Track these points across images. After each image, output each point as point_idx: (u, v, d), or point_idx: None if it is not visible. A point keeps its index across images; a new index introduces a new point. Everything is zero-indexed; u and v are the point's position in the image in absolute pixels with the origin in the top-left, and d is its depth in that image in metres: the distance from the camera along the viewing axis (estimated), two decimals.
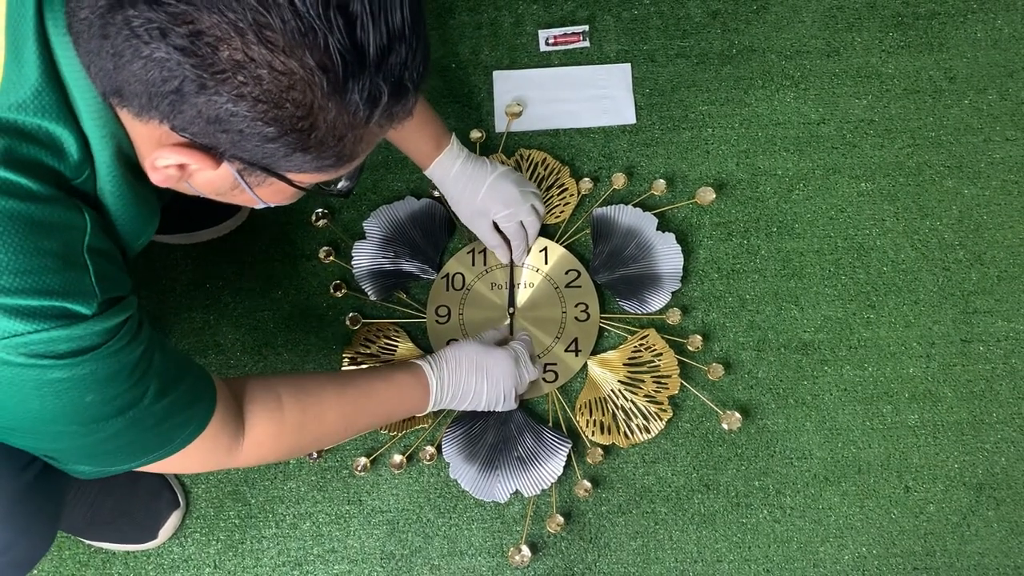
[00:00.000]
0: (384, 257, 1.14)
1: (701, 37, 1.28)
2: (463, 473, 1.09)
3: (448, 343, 1.12)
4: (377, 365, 1.11)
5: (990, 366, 1.15)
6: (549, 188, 1.19)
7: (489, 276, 1.15)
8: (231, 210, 1.17)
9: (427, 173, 1.09)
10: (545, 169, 1.19)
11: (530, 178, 1.18)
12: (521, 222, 1.12)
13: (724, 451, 1.13)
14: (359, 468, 1.10)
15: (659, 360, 1.12)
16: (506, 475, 1.08)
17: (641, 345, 1.12)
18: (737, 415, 1.12)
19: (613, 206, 1.18)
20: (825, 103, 1.26)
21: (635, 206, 1.18)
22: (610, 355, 1.13)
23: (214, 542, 1.10)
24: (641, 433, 1.09)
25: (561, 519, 1.08)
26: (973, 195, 1.22)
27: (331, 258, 1.17)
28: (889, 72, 1.27)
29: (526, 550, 1.06)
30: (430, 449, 1.10)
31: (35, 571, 1.08)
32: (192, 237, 1.18)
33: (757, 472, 1.12)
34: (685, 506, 1.11)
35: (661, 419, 1.10)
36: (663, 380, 1.11)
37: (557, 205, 1.18)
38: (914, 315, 1.18)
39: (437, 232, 1.16)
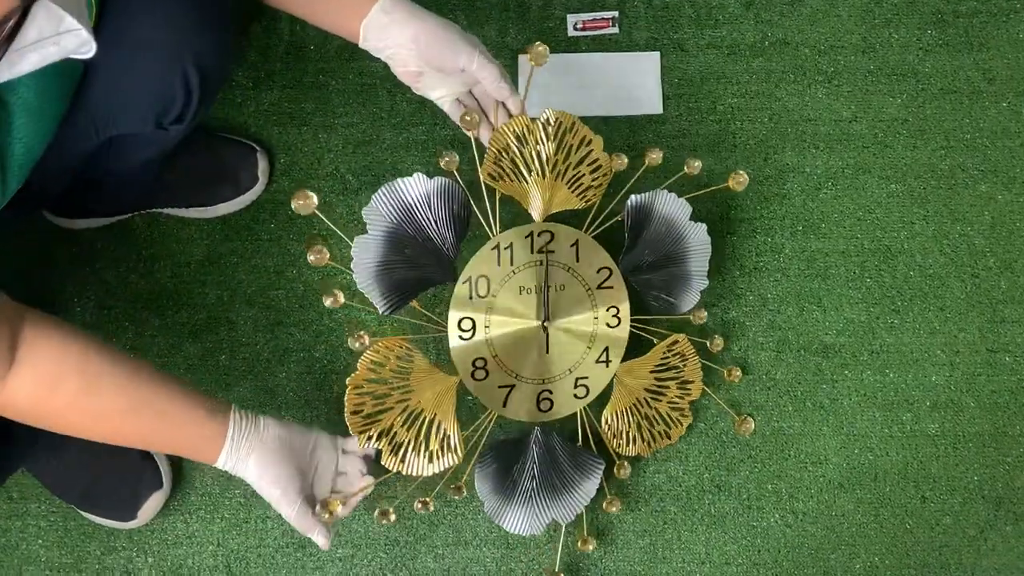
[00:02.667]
0: (392, 255, 0.92)
1: (733, 28, 1.25)
2: (502, 513, 1.00)
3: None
4: (183, 393, 0.85)
5: (1016, 377, 1.12)
6: (579, 164, 0.96)
7: (517, 279, 0.96)
8: (247, 183, 1.15)
9: (363, 44, 0.88)
10: (574, 137, 0.94)
11: (557, 149, 0.94)
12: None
13: (737, 452, 1.11)
14: (381, 517, 0.99)
15: (684, 365, 1.05)
16: (542, 506, 1.01)
17: (670, 351, 1.03)
18: (751, 423, 1.09)
19: (650, 192, 0.99)
20: (858, 100, 1.23)
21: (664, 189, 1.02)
22: (638, 363, 1.02)
23: (218, 520, 1.09)
24: (662, 439, 1.06)
25: (594, 542, 1.06)
26: (1007, 201, 1.18)
27: (325, 259, 0.92)
28: (926, 71, 1.24)
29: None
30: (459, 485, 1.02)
31: (39, 541, 1.08)
32: (207, 212, 1.16)
33: (770, 475, 1.10)
34: (695, 506, 1.09)
35: (682, 424, 1.07)
36: (687, 385, 1.05)
37: (589, 187, 0.97)
38: (939, 322, 1.15)
39: (456, 219, 0.93)
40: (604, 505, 1.06)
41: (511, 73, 1.23)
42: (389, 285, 0.92)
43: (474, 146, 0.92)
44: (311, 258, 0.91)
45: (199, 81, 0.87)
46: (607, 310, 0.99)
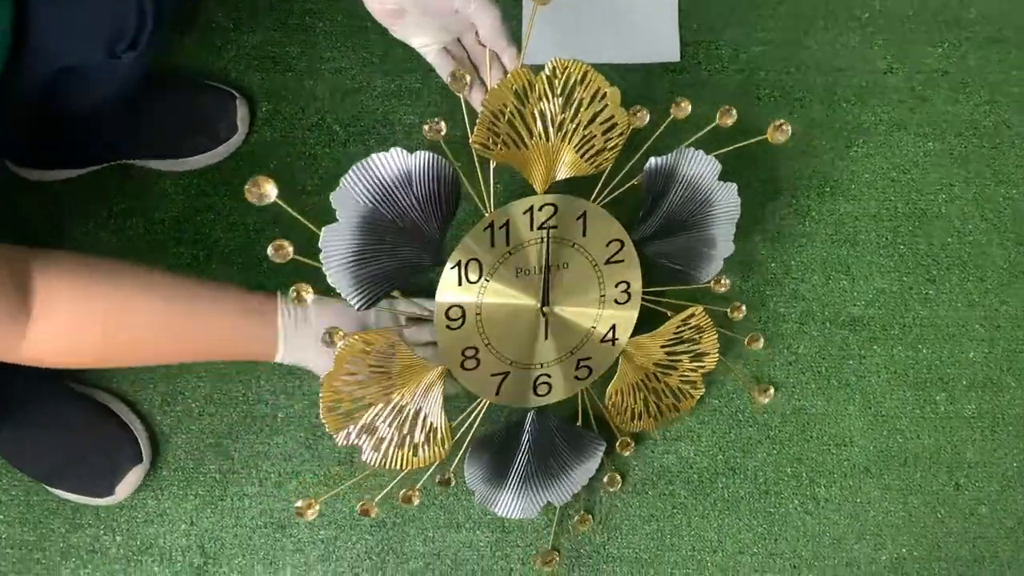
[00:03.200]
0: (368, 244, 0.77)
1: None
2: (493, 499, 0.94)
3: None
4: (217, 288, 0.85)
5: None
6: (590, 123, 0.79)
7: (513, 260, 0.83)
8: (226, 133, 1.07)
9: None
10: (585, 90, 0.77)
11: (565, 104, 0.78)
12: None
13: (755, 433, 1.02)
14: (364, 511, 0.90)
15: (700, 337, 0.94)
16: (537, 490, 0.94)
17: (685, 325, 0.92)
18: (771, 391, 1.01)
19: (673, 152, 0.85)
20: (894, 50, 1.13)
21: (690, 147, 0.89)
22: (648, 339, 0.92)
23: (192, 497, 1.01)
24: (670, 412, 0.98)
25: (591, 519, 0.99)
26: None
27: (288, 254, 0.74)
28: (970, 18, 1.13)
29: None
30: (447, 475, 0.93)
31: (0, 517, 1.01)
32: (182, 164, 1.08)
33: (790, 458, 1.02)
34: (707, 490, 1.01)
35: (693, 397, 0.98)
36: (701, 358, 0.95)
37: (601, 150, 0.81)
38: (979, 293, 1.05)
39: (443, 199, 0.78)
40: (605, 480, 0.98)
41: (515, 15, 1.13)
42: (364, 277, 0.78)
43: (464, 109, 0.76)
44: (270, 252, 0.74)
45: None
46: (616, 286, 0.88)
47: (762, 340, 1.01)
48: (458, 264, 0.81)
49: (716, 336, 0.94)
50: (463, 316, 0.83)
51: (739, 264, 1.06)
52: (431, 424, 0.85)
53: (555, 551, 0.99)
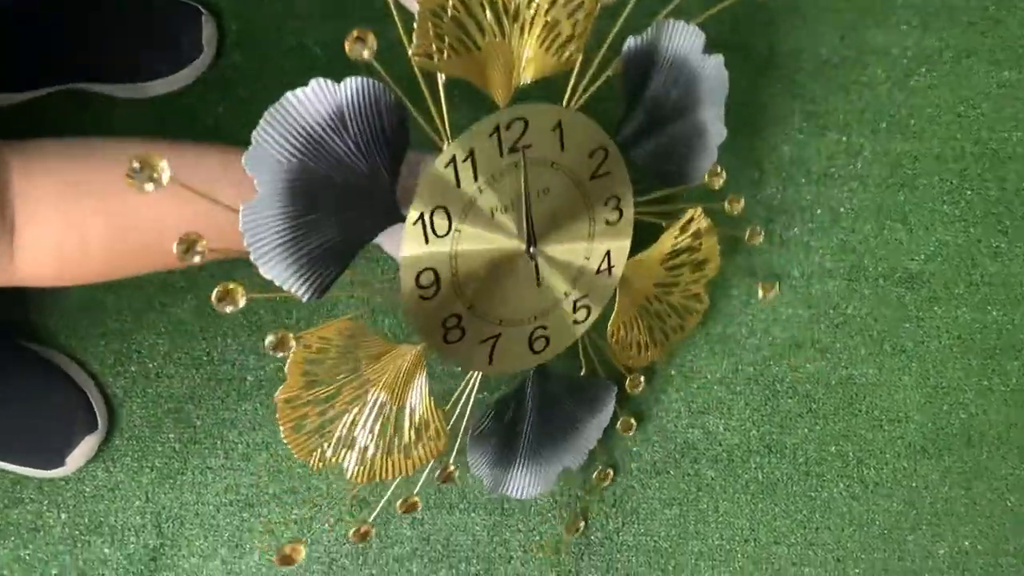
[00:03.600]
0: (301, 214, 0.60)
1: None
2: (504, 482, 0.82)
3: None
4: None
5: None
6: (551, 6, 0.63)
7: (485, 198, 0.68)
8: (190, 54, 0.93)
9: None
10: None
11: None
12: None
13: (794, 405, 0.89)
14: (355, 536, 0.77)
15: (700, 243, 0.81)
16: (550, 460, 0.82)
17: (684, 232, 0.80)
18: (777, 287, 0.88)
19: (650, 27, 0.71)
20: None
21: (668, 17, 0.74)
22: (644, 258, 0.79)
23: (147, 469, 0.89)
24: (676, 334, 0.85)
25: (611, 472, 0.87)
26: None
27: (239, 301, 0.60)
28: None
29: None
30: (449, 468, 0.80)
31: None
32: (139, 90, 0.94)
33: (835, 435, 0.89)
34: (739, 471, 0.88)
35: (697, 312, 0.85)
36: (702, 266, 0.83)
37: (569, 38, 0.66)
38: None
39: (387, 136, 0.61)
40: (619, 427, 0.86)
41: None
42: (305, 259, 0.62)
43: (395, 15, 0.58)
44: (216, 302, 0.59)
45: None
46: (605, 204, 0.74)
47: (763, 235, 0.87)
48: (420, 218, 0.65)
49: (716, 238, 0.81)
50: (436, 281, 0.68)
51: (781, 210, 0.93)
52: (420, 417, 0.72)
53: (582, 517, 0.86)
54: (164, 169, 0.54)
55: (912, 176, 0.94)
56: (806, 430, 0.89)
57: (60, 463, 0.87)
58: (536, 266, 0.73)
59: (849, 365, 0.90)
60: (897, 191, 0.94)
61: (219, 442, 0.90)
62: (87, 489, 0.89)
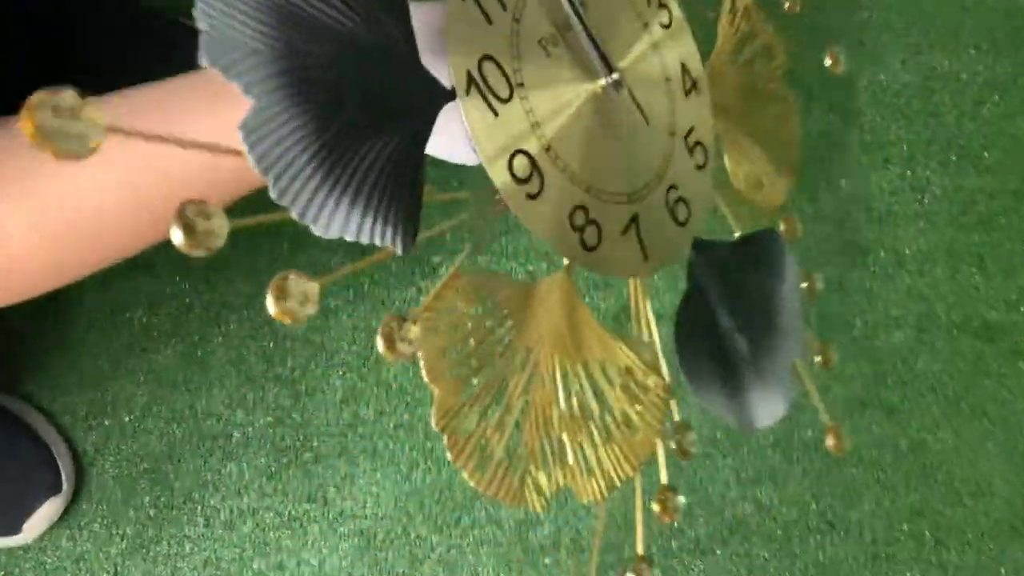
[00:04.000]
0: (319, 118, 0.38)
1: None
2: (753, 410, 0.52)
3: None
4: None
5: None
6: None
7: (526, 31, 0.51)
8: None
9: None
10: None
11: None
12: None
13: (859, 474, 0.79)
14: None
15: (752, 26, 0.64)
16: (775, 353, 0.53)
17: (734, 16, 0.63)
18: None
19: None
20: None
21: None
22: (715, 59, 0.62)
23: (117, 538, 0.79)
24: (788, 149, 0.66)
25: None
26: None
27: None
28: None
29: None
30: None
31: None
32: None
33: (908, 510, 0.79)
34: (796, 550, 0.78)
35: (787, 99, 0.68)
36: (769, 52, 0.65)
37: None
38: None
39: None
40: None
41: None
42: (365, 182, 0.40)
43: None
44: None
45: None
46: (648, 3, 0.57)
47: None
48: (469, 79, 0.47)
49: (764, 17, 0.66)
50: (534, 167, 0.50)
51: (836, 252, 0.83)
52: (614, 364, 0.50)
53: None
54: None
55: (987, 215, 0.85)
56: (873, 504, 0.79)
57: (17, 529, 0.78)
58: (633, 97, 0.54)
59: (921, 429, 0.80)
60: (971, 231, 0.84)
61: (199, 508, 0.80)
62: (48, 560, 0.80)
